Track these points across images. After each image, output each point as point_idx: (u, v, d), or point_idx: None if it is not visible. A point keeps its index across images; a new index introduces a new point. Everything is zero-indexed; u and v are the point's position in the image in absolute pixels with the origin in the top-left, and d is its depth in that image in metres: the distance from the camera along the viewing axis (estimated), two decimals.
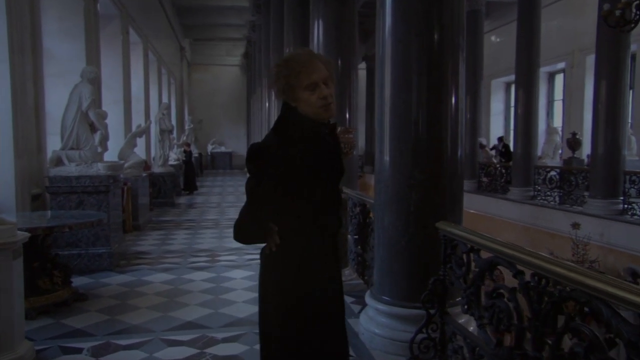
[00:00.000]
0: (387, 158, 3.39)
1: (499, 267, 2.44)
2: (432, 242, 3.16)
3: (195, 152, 18.90)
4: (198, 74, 27.07)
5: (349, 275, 4.83)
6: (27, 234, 3.20)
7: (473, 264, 2.70)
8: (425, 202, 3.23)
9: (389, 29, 3.31)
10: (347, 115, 6.15)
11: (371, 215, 4.89)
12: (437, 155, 3.26)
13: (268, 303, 1.91)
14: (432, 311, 3.03)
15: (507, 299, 2.31)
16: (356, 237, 5.21)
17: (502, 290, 2.38)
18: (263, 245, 1.94)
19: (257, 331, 1.98)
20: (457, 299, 3.21)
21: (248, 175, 1.88)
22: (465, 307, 2.70)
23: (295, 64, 1.84)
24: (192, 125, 19.75)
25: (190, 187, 14.64)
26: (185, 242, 7.30)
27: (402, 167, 3.29)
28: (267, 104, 15.20)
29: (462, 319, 3.15)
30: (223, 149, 26.35)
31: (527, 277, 2.17)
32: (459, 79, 3.31)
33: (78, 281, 4.99)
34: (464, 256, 2.76)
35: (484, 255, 2.62)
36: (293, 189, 1.81)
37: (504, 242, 2.39)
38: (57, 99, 6.36)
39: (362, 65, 19.04)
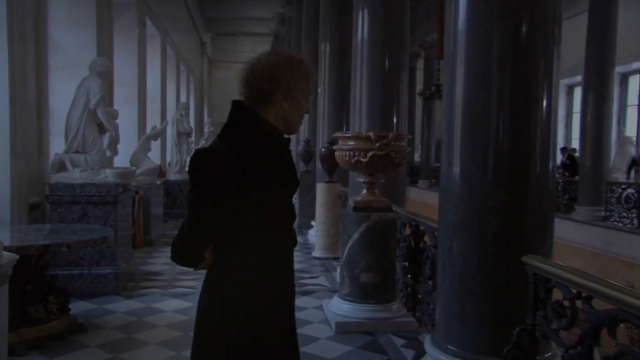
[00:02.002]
0: (457, 170, 2.97)
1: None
2: (516, 281, 2.73)
3: None
4: (220, 72, 27.05)
5: (397, 310, 4.39)
6: (15, 256, 2.88)
7: (580, 315, 2.26)
8: (507, 229, 2.80)
9: (464, 10, 2.91)
10: (395, 120, 5.78)
11: (425, 239, 4.48)
12: (523, 170, 2.83)
13: (207, 335, 1.80)
14: None
15: None
16: (405, 264, 4.79)
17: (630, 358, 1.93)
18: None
19: None
20: (547, 355, 2.76)
21: (190, 185, 1.76)
22: None
23: (309, 69, 1.85)
24: (212, 128, 19.54)
25: None
26: None
27: (478, 184, 2.86)
28: None
29: None
30: None
31: None
32: (552, 77, 2.87)
33: (78, 307, 4.68)
34: (567, 304, 2.32)
35: (596, 304, 2.17)
36: (246, 202, 1.74)
37: (634, 292, 1.94)
38: (63, 95, 6.12)
39: None
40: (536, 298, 2.52)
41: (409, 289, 4.70)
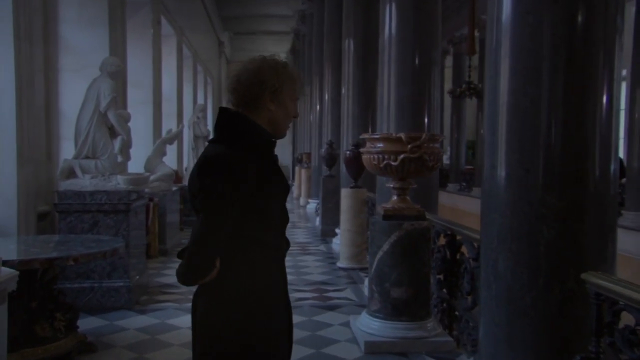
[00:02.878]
0: (502, 174, 2.74)
1: None
2: (574, 301, 2.49)
3: None
4: None
5: (432, 329, 4.16)
6: (15, 273, 2.74)
7: None
8: (563, 241, 2.55)
9: None
10: (426, 120, 5.56)
11: (463, 250, 4.25)
12: (580, 173, 2.59)
13: (214, 344, 1.87)
14: None
15: None
16: (439, 277, 4.57)
17: None
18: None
19: None
20: None
21: (201, 193, 1.81)
22: None
23: (294, 72, 1.98)
24: None
25: None
26: None
27: (527, 190, 2.63)
28: (317, 107, 14.78)
29: None
30: None
31: None
32: (613, 69, 2.62)
33: (87, 323, 4.56)
34: None
35: None
36: (250, 206, 1.83)
37: None
38: (74, 97, 6.03)
39: None
40: (600, 322, 2.28)
41: (445, 305, 4.46)
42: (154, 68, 10.44)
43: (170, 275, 6.61)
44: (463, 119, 17.95)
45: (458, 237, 4.26)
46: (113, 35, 7.49)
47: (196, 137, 11.55)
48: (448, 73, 19.16)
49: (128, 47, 8.52)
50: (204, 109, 12.40)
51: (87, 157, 5.39)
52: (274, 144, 1.98)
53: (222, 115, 1.93)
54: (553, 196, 2.57)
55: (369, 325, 4.24)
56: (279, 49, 26.63)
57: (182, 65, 13.65)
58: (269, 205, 1.91)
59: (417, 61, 5.56)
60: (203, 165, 1.81)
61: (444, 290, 4.48)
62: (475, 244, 3.82)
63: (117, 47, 7.64)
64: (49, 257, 3.59)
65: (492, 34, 2.83)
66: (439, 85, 5.87)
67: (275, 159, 1.99)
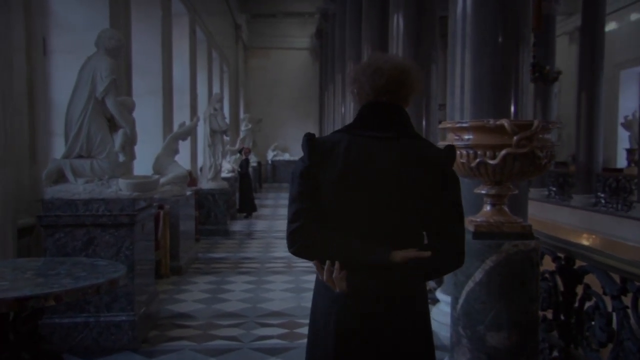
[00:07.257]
0: None
1: None
2: None
3: (253, 161, 17.98)
4: (257, 60, 26.49)
5: None
6: None
7: None
8: None
9: None
10: (512, 109, 4.72)
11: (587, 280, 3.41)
12: None
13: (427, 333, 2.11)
14: None
15: None
16: (544, 313, 3.76)
17: None
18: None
19: None
20: None
21: (456, 185, 2.04)
22: None
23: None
24: (250, 126, 18.90)
25: (247, 207, 13.62)
26: (246, 296, 6.09)
27: None
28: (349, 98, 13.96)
29: None
30: (287, 156, 25.47)
31: None
32: None
33: None
34: None
35: None
36: None
37: None
38: (66, 84, 5.46)
39: None
40: None
41: (557, 354, 3.62)
42: (163, 52, 10.04)
43: (185, 301, 5.89)
44: None
45: (579, 263, 3.41)
46: (114, 10, 7.11)
47: (213, 132, 10.84)
48: None
49: (133, 26, 8.02)
50: (221, 99, 11.70)
51: (80, 156, 4.73)
52: None
53: (401, 110, 2.09)
54: None
55: None
56: (302, 33, 26.05)
57: (196, 50, 13.02)
58: None
59: (500, 39, 4.74)
60: (453, 153, 2.05)
61: (555, 332, 3.64)
62: (617, 276, 2.98)
63: (119, 25, 7.19)
64: (21, 297, 2.82)
65: None
66: (529, 67, 5.00)
67: None
